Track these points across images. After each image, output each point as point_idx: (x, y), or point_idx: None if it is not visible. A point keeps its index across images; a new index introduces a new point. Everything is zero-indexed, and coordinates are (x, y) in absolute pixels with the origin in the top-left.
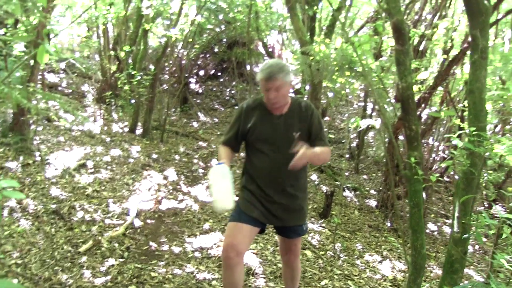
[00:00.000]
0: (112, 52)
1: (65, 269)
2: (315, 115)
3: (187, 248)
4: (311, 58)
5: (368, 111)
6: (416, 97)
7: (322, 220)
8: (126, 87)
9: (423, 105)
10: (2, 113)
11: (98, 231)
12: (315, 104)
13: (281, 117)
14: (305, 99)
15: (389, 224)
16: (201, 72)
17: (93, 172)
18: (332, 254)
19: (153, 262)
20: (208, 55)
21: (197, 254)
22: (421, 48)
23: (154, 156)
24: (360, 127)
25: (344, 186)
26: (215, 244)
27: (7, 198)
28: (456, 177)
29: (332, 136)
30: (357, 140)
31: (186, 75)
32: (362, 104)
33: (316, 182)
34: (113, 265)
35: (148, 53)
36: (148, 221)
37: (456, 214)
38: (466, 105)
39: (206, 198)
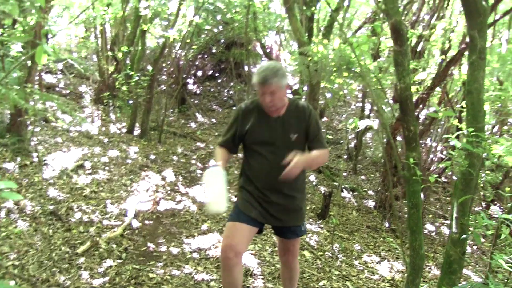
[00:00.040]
0: (110, 53)
1: (63, 270)
2: (312, 117)
3: (185, 249)
4: (309, 58)
5: (366, 112)
6: (414, 98)
7: (320, 221)
8: (124, 88)
9: (421, 106)
10: None
11: (96, 232)
12: (313, 105)
13: (278, 119)
14: (303, 99)
15: (387, 225)
16: (199, 73)
17: (91, 173)
18: (330, 255)
19: (151, 263)
20: (206, 56)
21: (195, 255)
22: (419, 49)
23: (152, 157)
24: (358, 128)
25: (342, 186)
26: (213, 245)
27: (5, 199)
28: (454, 177)
29: (330, 137)
30: (355, 141)
31: (184, 75)
32: (360, 104)
33: (314, 183)
34: (111, 266)
35: (146, 54)
36: (146, 222)
37: (455, 215)
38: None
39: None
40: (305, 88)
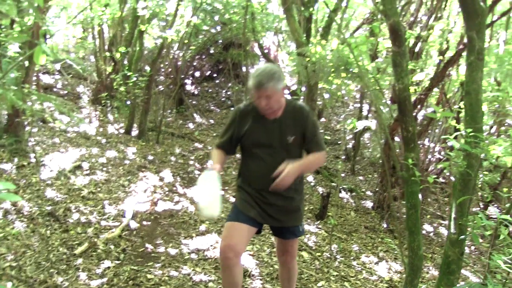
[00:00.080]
0: (107, 53)
1: (61, 272)
2: (310, 118)
3: (183, 250)
4: (307, 59)
5: (364, 113)
6: (412, 99)
7: (319, 222)
8: (122, 89)
9: (419, 107)
10: None
11: (94, 233)
12: (311, 106)
13: (275, 122)
14: (301, 100)
15: (385, 225)
16: (197, 74)
17: (88, 173)
18: (329, 256)
19: (149, 264)
20: (204, 56)
21: (193, 255)
22: (416, 49)
23: (150, 157)
24: (356, 129)
25: (340, 187)
26: (211, 245)
27: (2, 200)
28: (452, 178)
29: (328, 138)
30: (353, 142)
31: (182, 76)
32: (358, 105)
33: (312, 184)
34: (109, 267)
35: (143, 54)
36: (144, 222)
37: (453, 215)
38: (462, 106)
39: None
40: (303, 88)
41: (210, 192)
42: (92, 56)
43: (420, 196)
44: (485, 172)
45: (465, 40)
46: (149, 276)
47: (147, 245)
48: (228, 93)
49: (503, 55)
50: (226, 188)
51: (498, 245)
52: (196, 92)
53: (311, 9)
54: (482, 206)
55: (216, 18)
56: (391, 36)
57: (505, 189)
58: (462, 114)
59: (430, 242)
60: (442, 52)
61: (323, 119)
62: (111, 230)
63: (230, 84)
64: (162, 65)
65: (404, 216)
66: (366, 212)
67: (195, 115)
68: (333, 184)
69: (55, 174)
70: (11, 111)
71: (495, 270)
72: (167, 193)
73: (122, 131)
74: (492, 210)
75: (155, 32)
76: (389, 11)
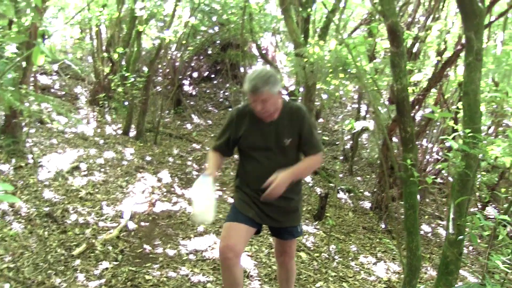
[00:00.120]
0: (105, 54)
1: (59, 273)
2: (306, 119)
3: (181, 250)
4: (305, 60)
5: (362, 113)
6: (410, 99)
7: (317, 222)
8: (120, 89)
9: (417, 107)
10: None
11: (92, 234)
12: (309, 106)
13: (272, 124)
14: (299, 101)
15: (383, 226)
16: (195, 74)
17: (86, 174)
18: (327, 256)
19: (147, 265)
20: (201, 57)
21: (191, 256)
22: (414, 50)
23: (148, 158)
24: (354, 129)
25: (338, 188)
26: (209, 246)
27: (0, 201)
28: (450, 179)
29: (326, 138)
30: (351, 142)
31: (180, 77)
32: (356, 106)
33: (310, 184)
34: (107, 268)
35: (141, 55)
36: (142, 223)
37: (451, 216)
38: (460, 106)
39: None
40: (301, 89)
41: (204, 198)
42: (90, 57)
43: (418, 196)
44: (483, 173)
45: (463, 40)
46: (147, 277)
47: (145, 246)
48: (226, 93)
49: (500, 56)
50: (224, 188)
51: (496, 245)
52: (194, 93)
53: (309, 9)
54: (480, 206)
55: (214, 18)
56: (389, 37)
57: (503, 190)
58: (460, 115)
59: (428, 243)
60: (440, 53)
61: (321, 120)
62: (109, 231)
63: (228, 85)
64: (160, 66)
65: (402, 216)
66: (364, 212)
67: (193, 115)
68: (331, 184)
69: (53, 175)
70: (8, 112)
71: (493, 270)
72: (165, 194)
73: (120, 132)
74: (490, 211)
75: (153, 32)
76: (387, 12)
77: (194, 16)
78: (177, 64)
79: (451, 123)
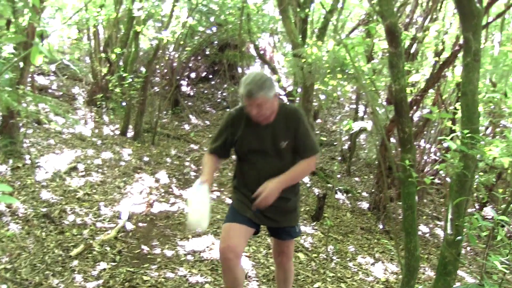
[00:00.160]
0: (103, 55)
1: (56, 274)
2: (302, 120)
3: (179, 251)
4: (303, 60)
5: (360, 114)
6: (408, 100)
7: (315, 223)
8: (117, 90)
9: (415, 108)
10: None
11: (90, 234)
12: (307, 107)
13: (267, 127)
14: (297, 101)
15: (381, 226)
16: (193, 75)
17: (84, 175)
18: (325, 257)
19: (145, 266)
20: (199, 58)
21: (189, 257)
22: (412, 50)
23: (146, 159)
24: (352, 130)
25: (336, 188)
26: (207, 247)
27: None
28: (448, 179)
29: (324, 139)
30: (349, 143)
31: (178, 77)
32: (354, 106)
33: (308, 185)
34: (104, 269)
35: (139, 56)
36: (140, 224)
37: (450, 216)
38: (458, 107)
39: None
40: (299, 90)
41: (200, 206)
42: (88, 57)
43: (416, 197)
44: (481, 173)
45: (461, 41)
46: (145, 277)
47: (143, 246)
48: (224, 94)
49: (498, 56)
50: (222, 189)
51: (494, 245)
52: (191, 93)
53: (307, 10)
54: (477, 207)
55: (212, 19)
56: (387, 37)
57: (500, 190)
58: (458, 115)
59: (426, 243)
60: (437, 53)
61: (319, 120)
62: (107, 231)
63: (225, 85)
64: (157, 66)
65: (400, 217)
66: (362, 213)
67: (190, 116)
68: (329, 185)
69: (50, 176)
70: (5, 113)
71: (491, 270)
72: (163, 194)
73: (117, 132)
74: (488, 211)
75: (151, 33)
76: (386, 12)
77: (192, 17)
78: (175, 64)
79: (449, 123)
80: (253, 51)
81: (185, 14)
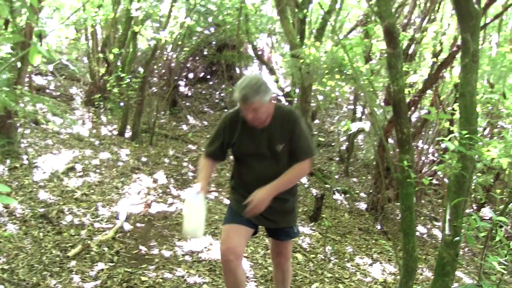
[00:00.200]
0: (100, 55)
1: (54, 274)
2: (297, 122)
3: (177, 251)
4: (301, 61)
5: (358, 114)
6: (406, 100)
7: (313, 223)
8: (115, 90)
9: (413, 108)
10: None
11: (87, 235)
12: (305, 107)
13: (263, 131)
14: (295, 102)
15: (379, 227)
16: (191, 75)
17: (81, 175)
18: (323, 257)
19: (143, 266)
20: (197, 58)
21: (187, 257)
22: (410, 51)
23: (144, 159)
24: (350, 130)
25: (334, 189)
26: (205, 247)
27: None
28: (446, 180)
29: (322, 139)
30: (347, 143)
31: (176, 78)
32: (352, 107)
33: (306, 185)
34: (102, 270)
35: (137, 56)
36: (138, 224)
37: (448, 217)
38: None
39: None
40: (297, 90)
41: (195, 215)
42: (85, 58)
43: (414, 197)
44: (479, 174)
45: (459, 42)
46: (143, 278)
47: (141, 247)
48: (222, 94)
49: (496, 57)
50: (220, 190)
51: (492, 246)
52: (189, 94)
53: (305, 10)
54: (475, 207)
55: (210, 19)
56: (386, 38)
57: (498, 191)
58: (456, 116)
59: (424, 244)
60: (435, 54)
61: (317, 121)
62: (105, 232)
63: (223, 86)
64: (155, 67)
65: (398, 217)
66: (360, 214)
67: (188, 116)
68: (327, 186)
69: (48, 176)
70: (3, 113)
71: (489, 271)
72: (160, 195)
73: (115, 132)
74: (486, 212)
75: (149, 33)
76: (384, 13)
77: (190, 17)
78: (172, 65)
79: (447, 124)
80: (251, 52)
81: (183, 14)
